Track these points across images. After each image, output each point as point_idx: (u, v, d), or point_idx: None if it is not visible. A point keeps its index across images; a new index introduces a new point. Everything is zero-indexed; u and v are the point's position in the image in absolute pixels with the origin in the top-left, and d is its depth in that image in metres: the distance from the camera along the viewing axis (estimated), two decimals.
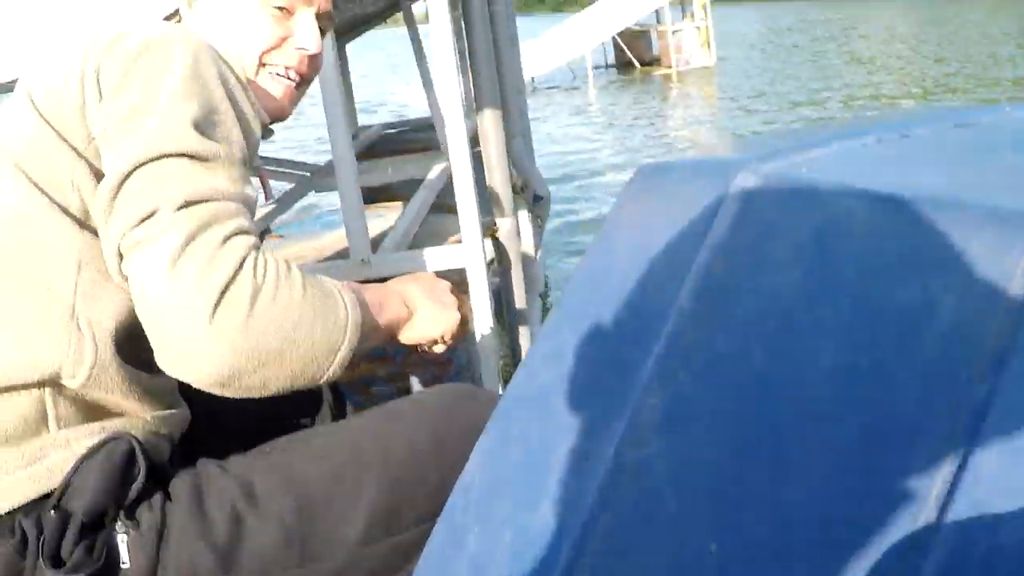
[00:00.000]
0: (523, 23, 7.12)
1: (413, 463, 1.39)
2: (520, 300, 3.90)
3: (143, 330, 1.16)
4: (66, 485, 1.18)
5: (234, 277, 1.13)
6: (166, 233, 1.12)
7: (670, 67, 22.14)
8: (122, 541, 1.20)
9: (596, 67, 23.58)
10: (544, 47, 23.90)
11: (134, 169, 1.16)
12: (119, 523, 1.20)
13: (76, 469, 1.19)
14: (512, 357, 3.96)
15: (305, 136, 13.50)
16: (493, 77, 3.72)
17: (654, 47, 23.82)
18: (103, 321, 1.23)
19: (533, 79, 21.86)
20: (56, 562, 1.14)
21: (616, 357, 0.94)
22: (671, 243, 0.93)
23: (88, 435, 1.23)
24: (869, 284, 0.77)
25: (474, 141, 3.75)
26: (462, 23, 3.80)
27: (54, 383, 1.21)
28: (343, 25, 6.07)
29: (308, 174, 4.89)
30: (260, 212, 4.06)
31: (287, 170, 4.97)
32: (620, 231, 1.03)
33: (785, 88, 16.50)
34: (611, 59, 25.51)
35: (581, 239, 7.55)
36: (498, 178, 3.66)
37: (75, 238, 1.23)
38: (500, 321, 3.94)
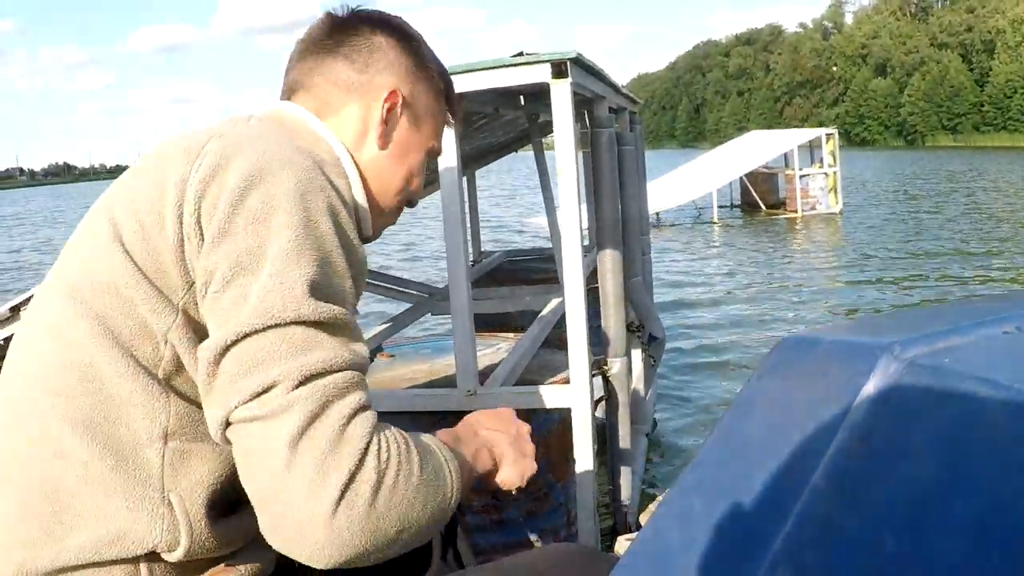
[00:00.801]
0: (652, 157, 7.19)
1: None
2: (625, 440, 3.88)
3: (238, 490, 1.15)
4: None
5: (357, 469, 1.10)
6: (284, 413, 1.09)
7: (796, 212, 22.03)
8: None
9: (722, 206, 23.57)
10: (672, 183, 24.04)
11: (243, 338, 1.12)
12: None
13: None
14: (612, 496, 3.92)
15: (434, 249, 13.63)
16: (616, 216, 3.75)
17: (781, 190, 23.72)
18: (195, 494, 1.21)
19: (658, 214, 21.98)
20: None
21: (745, 529, 0.93)
22: (809, 421, 0.93)
23: None
24: (1006, 483, 0.75)
25: (593, 277, 3.78)
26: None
27: (149, 557, 1.19)
28: (474, 152, 6.22)
29: (427, 295, 4.96)
30: (375, 330, 4.13)
31: (406, 290, 5.05)
32: (758, 402, 1.03)
33: (909, 241, 16.27)
34: (737, 199, 25.48)
35: (691, 379, 7.49)
36: (613, 317, 3.67)
37: (162, 405, 1.20)
38: (602, 458, 3.92)
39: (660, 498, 2.45)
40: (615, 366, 3.70)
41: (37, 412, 1.20)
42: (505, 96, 3.33)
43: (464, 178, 6.73)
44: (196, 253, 1.16)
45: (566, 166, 2.85)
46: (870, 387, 0.90)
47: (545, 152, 4.97)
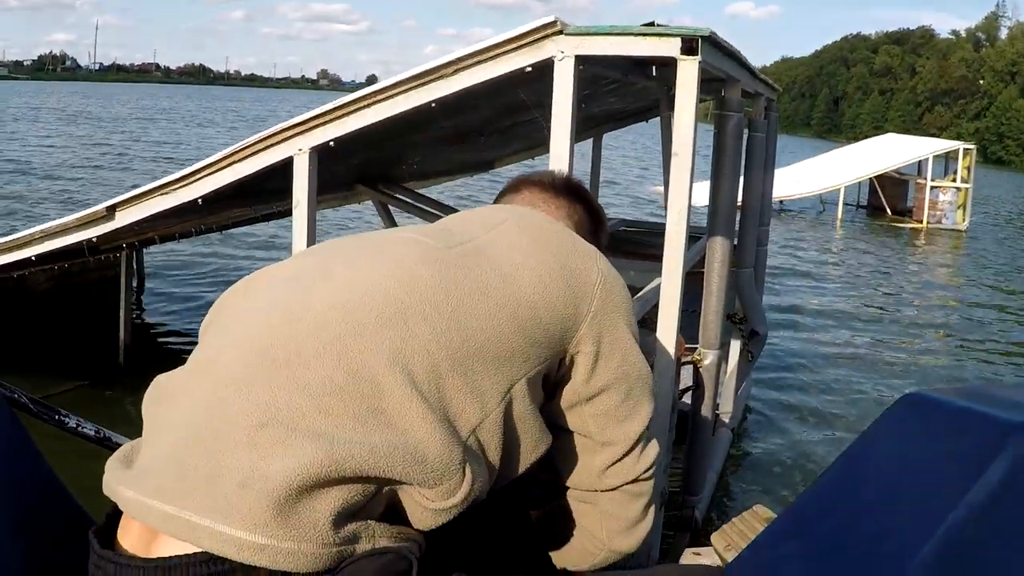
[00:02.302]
0: (784, 143, 7.04)
1: None
2: (706, 434, 3.78)
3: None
4: (338, 570, 1.21)
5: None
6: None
7: (921, 222, 21.51)
8: None
9: (847, 204, 23.17)
10: (801, 173, 23.67)
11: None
12: None
13: (357, 560, 1.23)
14: (683, 487, 3.83)
15: None
16: (732, 203, 3.63)
17: (910, 198, 23.22)
18: (485, 472, 1.38)
19: (782, 202, 21.67)
20: None
21: None
22: (927, 489, 0.87)
23: (383, 536, 1.27)
24: None
25: (703, 263, 3.67)
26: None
27: (407, 491, 1.30)
28: (602, 115, 6.11)
29: None
30: None
31: None
32: (876, 456, 1.00)
33: None
34: (864, 200, 25.00)
35: (785, 376, 7.34)
36: (714, 307, 3.55)
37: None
38: (680, 447, 3.84)
39: (734, 521, 2.36)
40: (708, 357, 3.59)
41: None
42: (635, 64, 3.22)
43: (591, 140, 6.68)
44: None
45: (682, 147, 2.74)
46: (997, 468, 0.81)
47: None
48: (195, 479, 1.20)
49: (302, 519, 1.19)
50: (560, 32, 2.71)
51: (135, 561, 1.21)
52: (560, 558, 1.75)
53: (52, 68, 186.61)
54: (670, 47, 2.69)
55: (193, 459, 1.23)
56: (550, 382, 1.55)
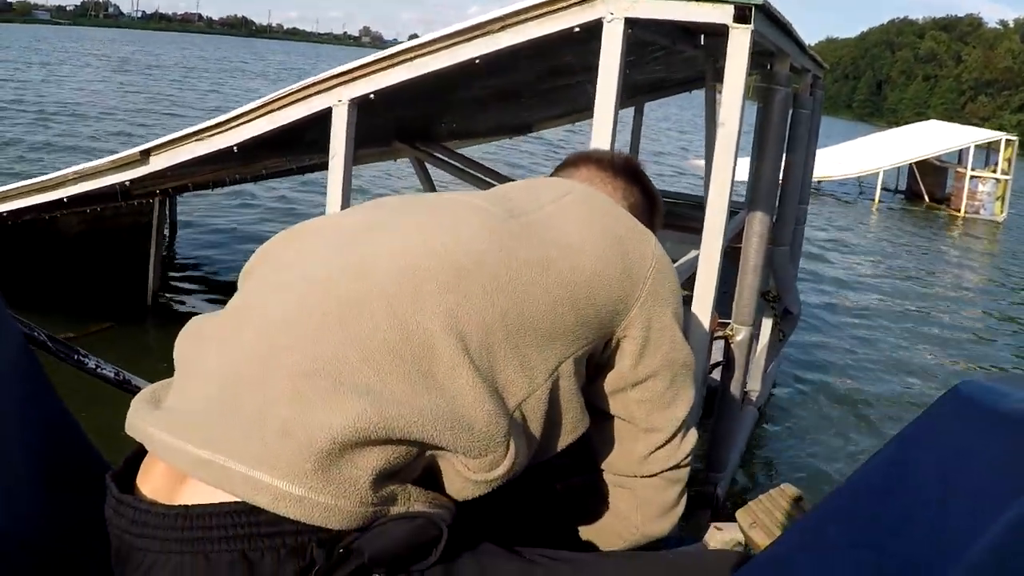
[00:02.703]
0: (826, 123, 6.94)
1: None
2: (733, 410, 3.75)
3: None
4: (367, 529, 1.19)
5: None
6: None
7: (958, 211, 21.32)
8: None
9: (885, 189, 23.00)
10: (841, 154, 23.51)
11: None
12: None
13: (388, 522, 1.20)
14: (707, 463, 3.80)
15: None
16: (774, 179, 3.57)
17: (948, 186, 23.01)
18: (526, 448, 1.37)
19: (820, 183, 21.54)
20: None
21: None
22: (979, 486, 0.82)
23: (418, 500, 1.25)
24: None
25: (739, 238, 3.62)
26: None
27: (446, 456, 1.28)
28: (645, 83, 6.04)
29: None
30: None
31: None
32: (924, 447, 0.95)
33: None
34: (903, 185, 24.81)
35: (814, 357, 7.29)
36: (749, 283, 3.51)
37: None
38: (705, 423, 3.80)
39: (761, 499, 2.34)
40: (740, 333, 3.55)
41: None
42: (683, 31, 3.16)
43: (633, 108, 6.63)
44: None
45: (729, 117, 2.69)
46: None
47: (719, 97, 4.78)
48: (234, 424, 1.18)
49: (343, 474, 1.16)
50: None
51: (156, 507, 1.18)
52: (588, 536, 1.74)
53: (95, 14, 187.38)
54: (722, 14, 2.63)
55: (233, 404, 1.21)
56: (593, 364, 1.53)
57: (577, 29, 2.73)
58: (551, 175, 2.02)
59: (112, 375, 2.45)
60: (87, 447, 1.64)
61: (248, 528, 1.14)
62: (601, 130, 2.72)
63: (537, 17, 2.78)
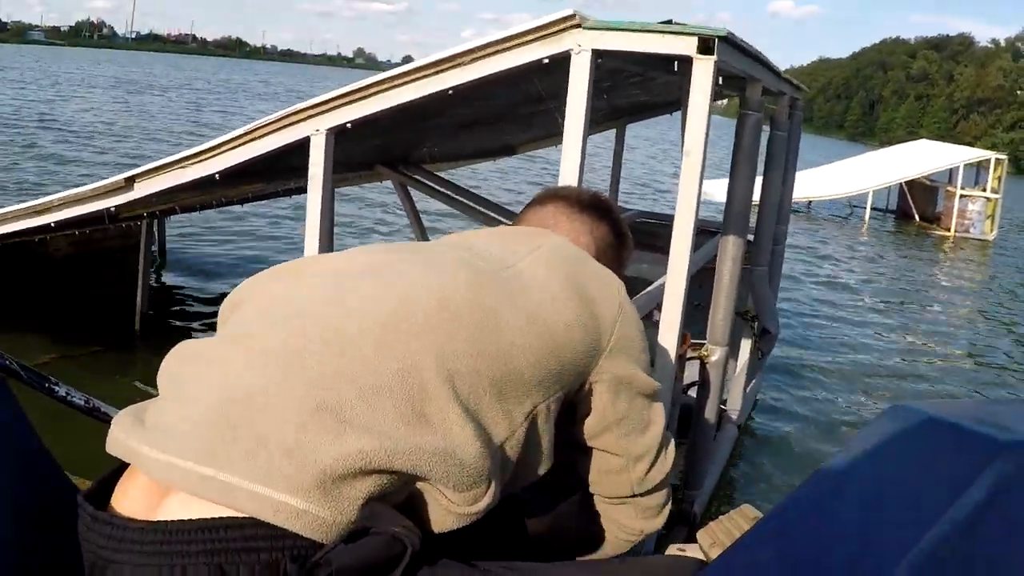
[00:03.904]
0: (817, 144, 6.99)
1: None
2: (708, 429, 3.80)
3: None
4: (341, 542, 1.23)
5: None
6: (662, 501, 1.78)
7: (948, 230, 21.38)
8: None
9: (875, 208, 23.06)
10: (830, 175, 23.60)
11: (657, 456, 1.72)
12: None
13: (359, 537, 1.24)
14: (685, 477, 3.85)
15: None
16: (746, 202, 3.63)
17: (938, 205, 23.06)
18: (501, 484, 1.43)
19: (810, 203, 21.70)
20: None
21: None
22: (910, 502, 0.87)
23: (392, 521, 1.28)
24: None
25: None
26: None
27: (431, 489, 1.34)
28: (626, 107, 6.11)
29: None
30: None
31: None
32: (860, 465, 0.99)
33: None
34: (893, 205, 24.88)
35: (797, 376, 7.33)
36: (723, 304, 3.56)
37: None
38: (684, 442, 3.85)
39: (721, 520, 2.39)
40: (715, 354, 3.60)
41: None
42: (656, 59, 3.23)
43: (614, 131, 6.68)
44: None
45: (694, 146, 2.76)
46: (980, 485, 0.82)
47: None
48: (236, 443, 1.23)
49: (343, 493, 1.23)
50: (578, 26, 2.72)
51: (134, 523, 1.21)
52: (592, 550, 1.86)
53: (89, 35, 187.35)
54: (687, 45, 2.69)
55: (234, 424, 1.25)
56: (570, 404, 1.63)
57: (547, 60, 2.79)
58: (522, 211, 2.11)
59: (82, 403, 2.51)
60: (60, 476, 1.67)
61: (225, 543, 1.18)
62: (570, 157, 2.78)
63: (508, 49, 2.83)
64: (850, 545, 0.90)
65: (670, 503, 1.81)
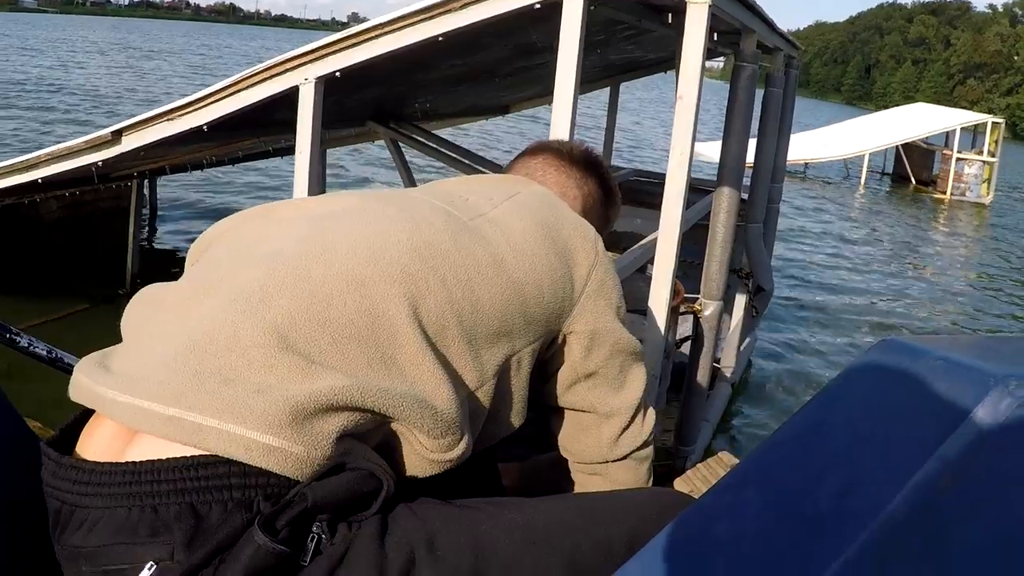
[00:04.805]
0: (815, 108, 6.95)
1: (602, 564, 1.37)
2: (701, 385, 3.78)
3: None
4: (316, 480, 1.21)
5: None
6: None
7: (944, 193, 21.34)
8: (311, 541, 1.21)
9: (872, 171, 23.06)
10: (827, 137, 23.57)
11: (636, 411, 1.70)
12: (322, 526, 1.22)
13: (336, 473, 1.23)
14: (677, 433, 3.84)
15: None
16: (741, 157, 3.59)
17: (935, 168, 23.04)
18: (472, 435, 1.43)
19: (807, 164, 21.69)
20: (270, 529, 1.16)
21: (796, 546, 0.86)
22: (898, 441, 0.84)
23: (368, 458, 1.27)
24: None
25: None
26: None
27: (406, 432, 1.34)
28: (620, 63, 6.06)
29: None
30: None
31: None
32: (845, 404, 0.95)
33: None
34: (889, 168, 24.86)
35: (793, 335, 7.32)
36: (717, 258, 3.54)
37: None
38: (676, 395, 3.84)
39: (698, 467, 2.38)
40: (708, 308, 3.58)
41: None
42: (649, 9, 3.18)
43: (609, 88, 6.64)
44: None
45: (687, 91, 2.72)
46: (974, 420, 0.79)
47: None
48: (203, 383, 1.20)
49: (316, 429, 1.21)
50: None
51: (102, 467, 1.18)
52: None
53: (81, 2, 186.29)
54: None
55: (201, 365, 1.23)
56: (543, 359, 1.62)
57: (538, 5, 2.75)
58: (512, 161, 2.09)
59: (44, 353, 2.48)
60: (19, 424, 1.62)
61: (197, 482, 1.16)
62: (561, 108, 2.74)
63: None
64: (839, 478, 0.87)
65: (650, 482, 1.78)
